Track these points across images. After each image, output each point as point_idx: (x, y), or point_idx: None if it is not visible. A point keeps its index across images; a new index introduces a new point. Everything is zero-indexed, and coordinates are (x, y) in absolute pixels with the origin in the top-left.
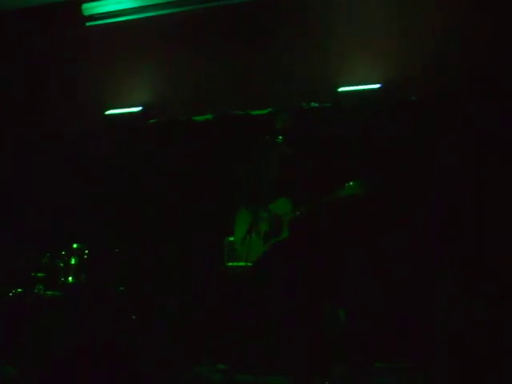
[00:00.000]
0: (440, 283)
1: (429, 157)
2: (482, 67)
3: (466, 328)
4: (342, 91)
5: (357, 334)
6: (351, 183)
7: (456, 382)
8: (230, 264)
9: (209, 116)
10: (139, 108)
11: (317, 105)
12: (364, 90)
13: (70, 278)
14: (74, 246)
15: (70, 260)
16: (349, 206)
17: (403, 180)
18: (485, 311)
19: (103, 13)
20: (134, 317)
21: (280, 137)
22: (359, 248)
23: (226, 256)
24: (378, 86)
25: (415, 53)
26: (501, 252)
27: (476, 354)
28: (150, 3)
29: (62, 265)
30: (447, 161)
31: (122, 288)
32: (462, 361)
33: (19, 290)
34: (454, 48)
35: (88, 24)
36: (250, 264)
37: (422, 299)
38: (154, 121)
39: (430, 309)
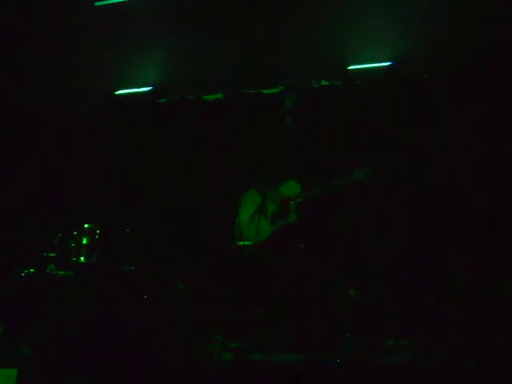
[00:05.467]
0: (451, 261)
1: (439, 135)
2: (494, 43)
3: (479, 304)
4: (353, 69)
5: (368, 313)
6: (358, 170)
7: (468, 358)
8: (241, 243)
9: (219, 95)
10: (149, 87)
11: (327, 83)
12: (374, 67)
13: (82, 258)
14: (86, 226)
15: (82, 240)
16: (356, 192)
17: (413, 159)
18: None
19: None
20: (145, 296)
21: (289, 117)
22: (368, 224)
23: (237, 235)
24: (388, 63)
25: (426, 30)
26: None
27: (489, 331)
28: None
29: (73, 245)
30: (459, 139)
31: (133, 268)
32: (475, 338)
33: (31, 270)
34: (466, 24)
35: (97, 4)
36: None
37: (433, 277)
38: (164, 100)
39: (441, 286)
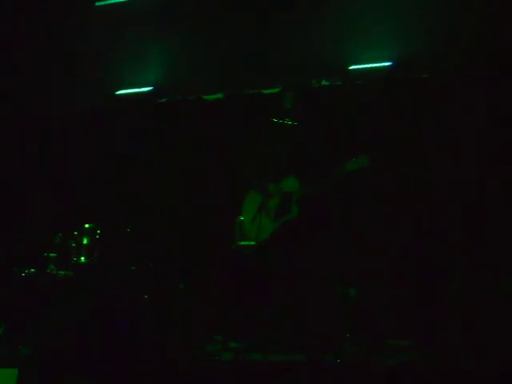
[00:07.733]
0: (452, 259)
1: (439, 135)
2: (494, 43)
3: (477, 304)
4: (353, 69)
5: (368, 312)
6: (357, 157)
7: (467, 358)
8: (241, 243)
9: (219, 95)
10: (149, 87)
11: (327, 83)
12: (375, 67)
13: (83, 258)
14: (86, 226)
15: (82, 240)
16: (356, 180)
17: (413, 159)
18: (498, 287)
19: None
20: (145, 296)
21: (289, 117)
22: (368, 224)
23: (237, 235)
24: (388, 63)
25: (426, 30)
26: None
27: (487, 331)
28: None
29: (74, 245)
30: (459, 139)
31: (133, 268)
32: (473, 338)
33: (32, 270)
34: (466, 24)
35: (98, 4)
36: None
37: (433, 275)
38: (164, 100)
39: (441, 285)
